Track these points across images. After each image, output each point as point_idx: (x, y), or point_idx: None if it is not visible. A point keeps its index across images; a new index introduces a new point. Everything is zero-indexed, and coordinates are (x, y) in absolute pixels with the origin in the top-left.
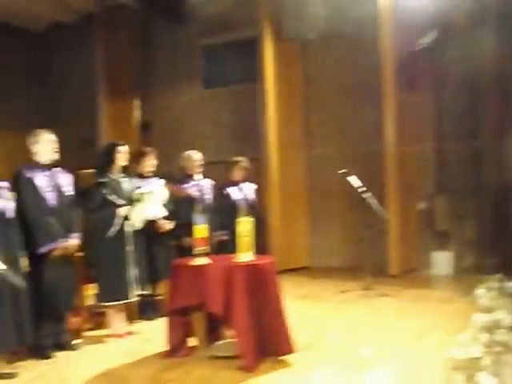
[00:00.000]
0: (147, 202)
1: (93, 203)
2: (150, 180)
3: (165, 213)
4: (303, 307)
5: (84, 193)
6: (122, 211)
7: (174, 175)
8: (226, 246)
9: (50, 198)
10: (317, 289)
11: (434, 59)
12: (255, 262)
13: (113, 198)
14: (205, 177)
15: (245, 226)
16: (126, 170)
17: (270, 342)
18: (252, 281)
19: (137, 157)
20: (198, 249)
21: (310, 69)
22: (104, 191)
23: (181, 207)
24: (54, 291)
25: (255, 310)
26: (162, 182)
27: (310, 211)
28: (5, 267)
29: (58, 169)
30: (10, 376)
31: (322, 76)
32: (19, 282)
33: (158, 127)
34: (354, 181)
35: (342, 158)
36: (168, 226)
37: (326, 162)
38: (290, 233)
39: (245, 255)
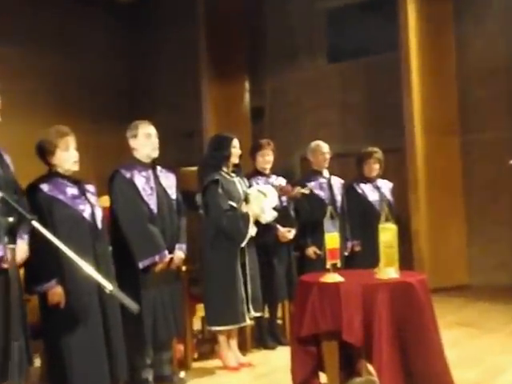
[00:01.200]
0: (256, 204)
1: (221, 207)
2: (267, 178)
3: (275, 215)
4: (463, 338)
5: (190, 195)
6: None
7: (295, 172)
8: (356, 259)
9: (152, 202)
10: (480, 314)
11: None
12: (402, 280)
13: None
14: (331, 173)
15: (387, 233)
16: (237, 167)
17: (422, 382)
18: (399, 303)
19: (252, 151)
20: (330, 262)
21: (467, 33)
22: (220, 192)
23: (303, 210)
24: (155, 314)
25: (403, 340)
26: (282, 180)
27: (468, 213)
28: (112, 287)
29: (159, 167)
30: None
31: (483, 42)
32: (132, 304)
33: (272, 114)
34: None
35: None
36: (289, 235)
37: (489, 149)
38: (441, 241)
39: (388, 271)
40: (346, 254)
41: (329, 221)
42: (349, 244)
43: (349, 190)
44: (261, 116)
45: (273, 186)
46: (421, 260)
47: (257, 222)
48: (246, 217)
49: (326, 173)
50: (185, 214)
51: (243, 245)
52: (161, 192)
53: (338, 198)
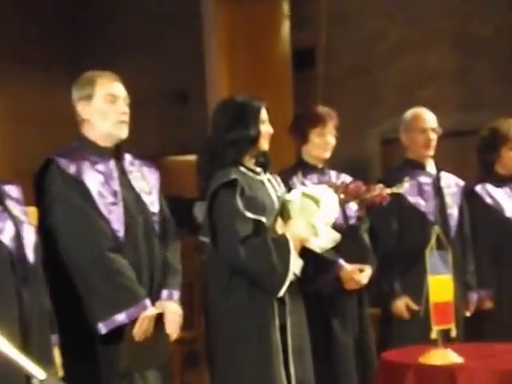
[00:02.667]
0: (302, 219)
1: (237, 232)
2: (320, 176)
3: (336, 239)
4: None
5: (183, 205)
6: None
7: (371, 164)
8: (488, 323)
9: (115, 216)
10: None
11: None
12: None
13: (253, 214)
14: (439, 167)
15: None
16: (264, 156)
17: None
18: None
19: (298, 128)
20: (437, 327)
21: None
22: (239, 204)
23: (387, 230)
24: None
25: None
26: (346, 178)
27: None
28: (44, 376)
29: (129, 157)
30: None
31: None
32: None
33: (330, 59)
34: None
35: None
36: (361, 277)
37: None
38: None
39: None
40: (468, 314)
41: (435, 252)
42: (473, 296)
43: (471, 199)
44: (310, 63)
45: (330, 186)
46: None
47: (303, 253)
48: (283, 244)
49: (430, 166)
50: (176, 239)
51: (281, 294)
52: (131, 200)
53: (453, 211)
